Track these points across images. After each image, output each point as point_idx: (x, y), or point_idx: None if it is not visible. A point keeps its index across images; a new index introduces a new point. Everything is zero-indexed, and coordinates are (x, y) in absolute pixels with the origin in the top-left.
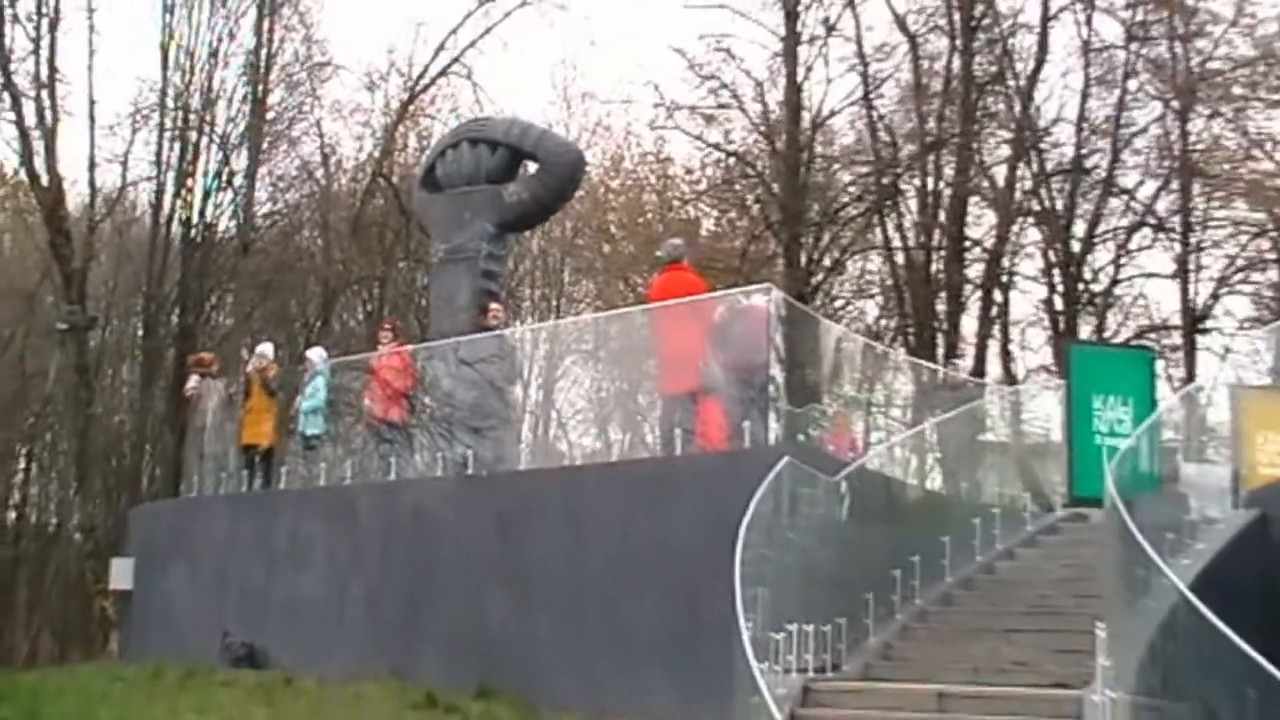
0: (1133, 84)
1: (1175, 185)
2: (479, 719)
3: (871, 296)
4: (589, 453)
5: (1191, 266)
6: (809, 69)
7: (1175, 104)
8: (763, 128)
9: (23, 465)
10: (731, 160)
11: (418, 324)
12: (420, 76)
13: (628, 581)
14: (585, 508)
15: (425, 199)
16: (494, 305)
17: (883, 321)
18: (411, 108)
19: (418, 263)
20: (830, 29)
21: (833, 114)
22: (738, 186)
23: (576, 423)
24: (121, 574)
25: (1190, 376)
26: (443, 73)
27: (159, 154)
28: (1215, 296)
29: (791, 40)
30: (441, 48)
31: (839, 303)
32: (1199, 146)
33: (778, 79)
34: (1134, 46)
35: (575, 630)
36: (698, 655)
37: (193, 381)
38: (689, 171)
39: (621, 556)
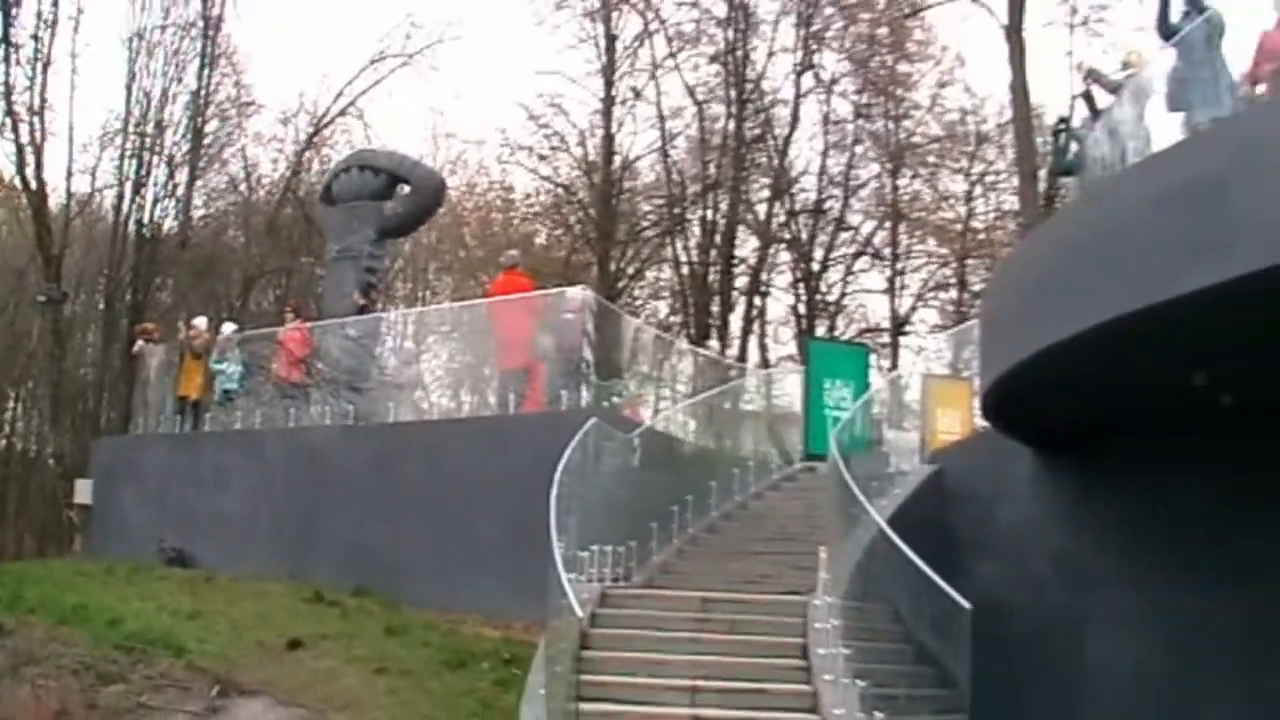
0: (859, 149)
1: (887, 225)
2: (354, 611)
3: (663, 298)
4: (445, 410)
5: (897, 286)
6: (620, 123)
7: (889, 165)
8: (584, 166)
9: (11, 405)
10: (560, 190)
11: (315, 306)
12: (323, 115)
13: (473, 509)
14: (442, 452)
15: (323, 210)
16: (355, 293)
17: (671, 318)
18: (316, 139)
19: (317, 259)
20: (637, 95)
21: (638, 158)
22: (563, 210)
23: (436, 387)
24: (84, 491)
25: (894, 366)
26: (341, 113)
27: (120, 168)
28: (913, 308)
29: (608, 101)
30: (340, 94)
31: (638, 302)
32: (905, 198)
33: (596, 130)
34: (860, 122)
35: (432, 546)
36: (525, 567)
37: (140, 345)
38: (527, 197)
39: (469, 490)
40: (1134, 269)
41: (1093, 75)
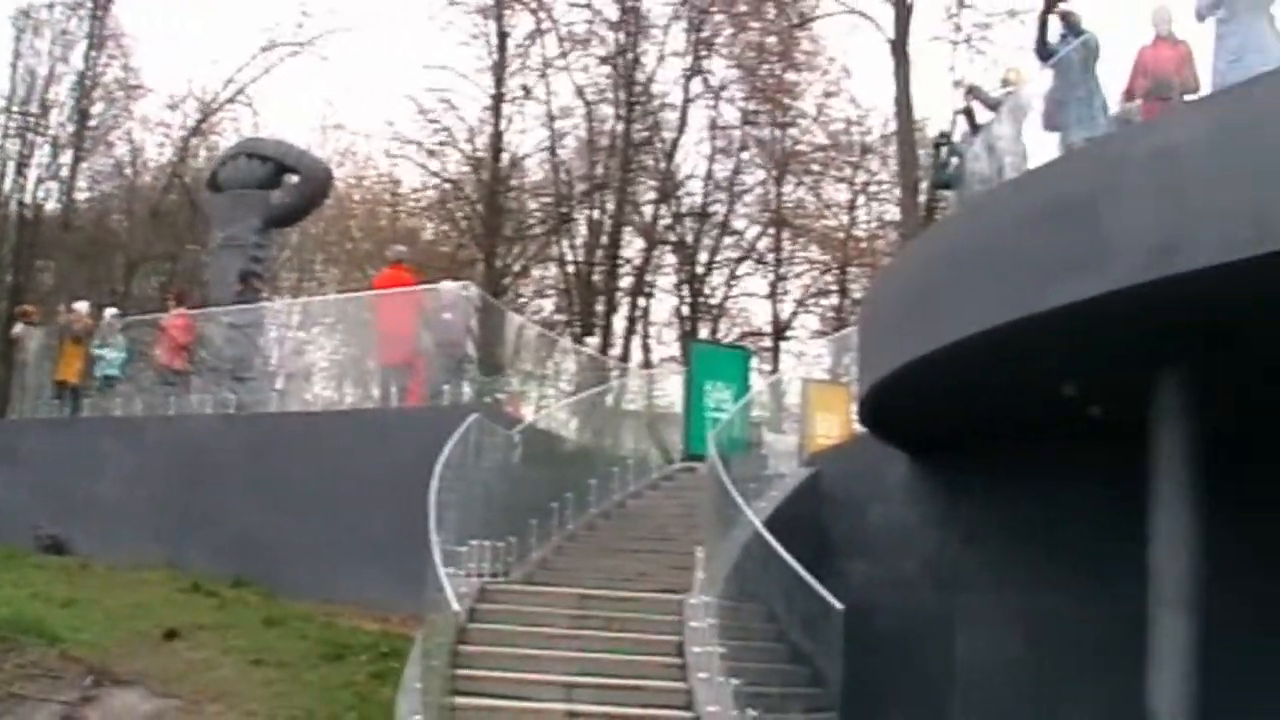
0: (745, 155)
1: (771, 231)
2: (231, 602)
3: (548, 296)
4: (328, 402)
5: (780, 291)
6: (510, 121)
7: (774, 172)
8: (472, 162)
9: None
10: (447, 185)
11: (200, 294)
12: (212, 102)
13: (355, 501)
14: (324, 443)
15: (209, 197)
16: (237, 284)
17: (556, 316)
18: (204, 125)
19: (201, 246)
20: (527, 93)
21: (526, 156)
22: (450, 205)
23: (319, 378)
24: None
25: (775, 370)
26: (230, 100)
27: (3, 147)
28: (795, 314)
29: (498, 99)
30: (230, 81)
31: (523, 300)
32: (789, 204)
33: (485, 126)
34: (747, 128)
35: (313, 537)
36: (405, 560)
37: (19, 328)
38: (414, 191)
39: (350, 482)
40: (1008, 281)
41: (973, 92)
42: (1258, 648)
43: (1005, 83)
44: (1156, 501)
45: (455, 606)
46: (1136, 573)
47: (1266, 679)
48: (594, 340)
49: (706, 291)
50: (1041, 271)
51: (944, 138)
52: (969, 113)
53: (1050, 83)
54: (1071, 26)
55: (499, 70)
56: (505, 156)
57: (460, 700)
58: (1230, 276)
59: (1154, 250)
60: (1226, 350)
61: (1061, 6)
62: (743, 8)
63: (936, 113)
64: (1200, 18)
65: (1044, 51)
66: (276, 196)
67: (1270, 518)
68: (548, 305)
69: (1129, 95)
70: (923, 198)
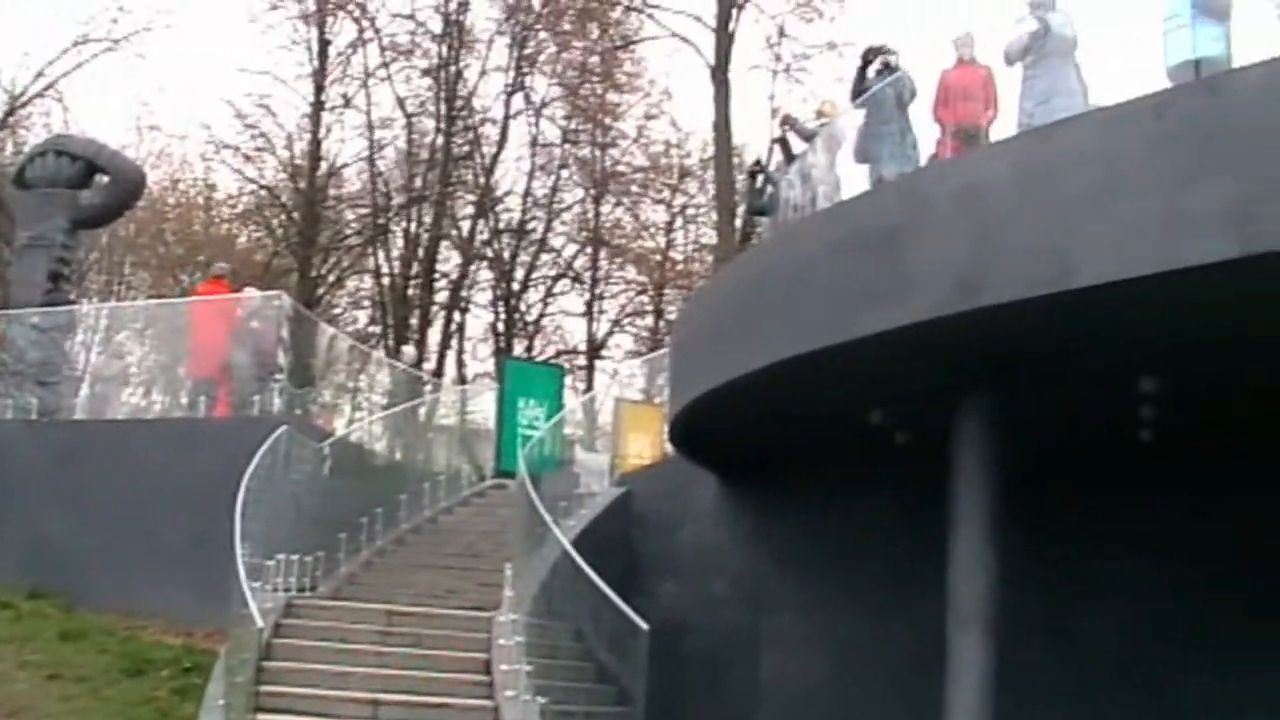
0: (565, 173)
1: (589, 250)
2: (28, 614)
3: (363, 308)
4: (134, 410)
5: (595, 310)
6: (329, 129)
7: (593, 192)
8: (289, 170)
9: None
10: (264, 192)
11: (2, 295)
12: (20, 95)
13: (160, 512)
14: (130, 452)
15: (15, 194)
16: (46, 285)
17: (370, 328)
18: (11, 119)
19: (6, 245)
20: (348, 102)
21: (344, 166)
22: (267, 213)
23: (127, 385)
24: None
25: (589, 389)
26: (40, 94)
27: None
28: (610, 333)
29: (317, 106)
30: (40, 74)
31: (337, 311)
32: (607, 224)
33: (304, 134)
34: (567, 146)
35: (115, 548)
36: (211, 573)
37: None
38: (230, 197)
39: (156, 492)
40: (818, 309)
41: (788, 121)
42: (1047, 666)
43: (820, 114)
44: (956, 525)
45: (259, 622)
46: (938, 594)
47: (1055, 696)
48: (409, 353)
49: (522, 308)
50: (850, 300)
51: (759, 165)
52: (784, 142)
53: (864, 118)
54: (890, 68)
55: (319, 78)
56: (323, 165)
57: (264, 717)
58: (1031, 313)
59: (958, 284)
60: (1025, 383)
61: (883, 59)
62: (566, 26)
63: (755, 139)
64: (1010, 62)
65: (859, 92)
66: (86, 197)
67: (1061, 542)
68: (363, 317)
69: (938, 119)
70: (739, 223)
